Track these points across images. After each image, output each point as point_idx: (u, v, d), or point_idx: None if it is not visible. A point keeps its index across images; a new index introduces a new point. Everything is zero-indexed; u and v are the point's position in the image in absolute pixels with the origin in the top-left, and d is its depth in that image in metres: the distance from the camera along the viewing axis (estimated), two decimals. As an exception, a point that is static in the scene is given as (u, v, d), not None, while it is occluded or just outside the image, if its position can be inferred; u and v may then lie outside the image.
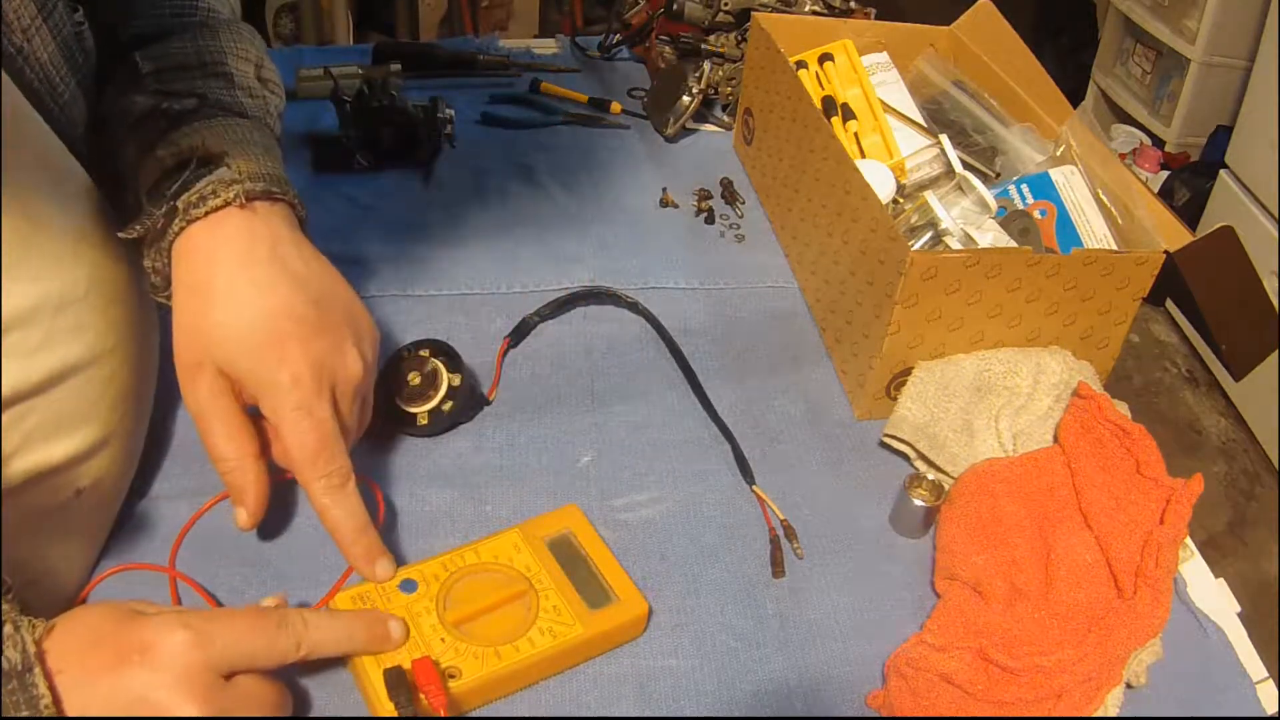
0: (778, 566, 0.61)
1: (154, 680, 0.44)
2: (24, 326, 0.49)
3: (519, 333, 0.75)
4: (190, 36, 0.64)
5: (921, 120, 0.90)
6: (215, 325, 0.55)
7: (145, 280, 0.59)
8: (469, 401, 0.68)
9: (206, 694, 0.45)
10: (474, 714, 0.53)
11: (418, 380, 0.66)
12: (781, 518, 0.64)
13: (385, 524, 0.61)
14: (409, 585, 0.55)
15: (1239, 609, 0.64)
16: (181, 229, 0.56)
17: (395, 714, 0.48)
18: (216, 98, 0.62)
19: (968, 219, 0.79)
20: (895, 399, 0.70)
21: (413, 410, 0.66)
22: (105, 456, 0.55)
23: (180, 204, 0.56)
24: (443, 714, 0.48)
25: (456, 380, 0.66)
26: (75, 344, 0.52)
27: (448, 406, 0.66)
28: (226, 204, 0.56)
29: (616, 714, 0.54)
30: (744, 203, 0.94)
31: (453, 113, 0.95)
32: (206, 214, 0.55)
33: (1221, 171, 2.08)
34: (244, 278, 0.55)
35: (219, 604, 0.56)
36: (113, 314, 0.55)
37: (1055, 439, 0.67)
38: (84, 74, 0.58)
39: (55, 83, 0.55)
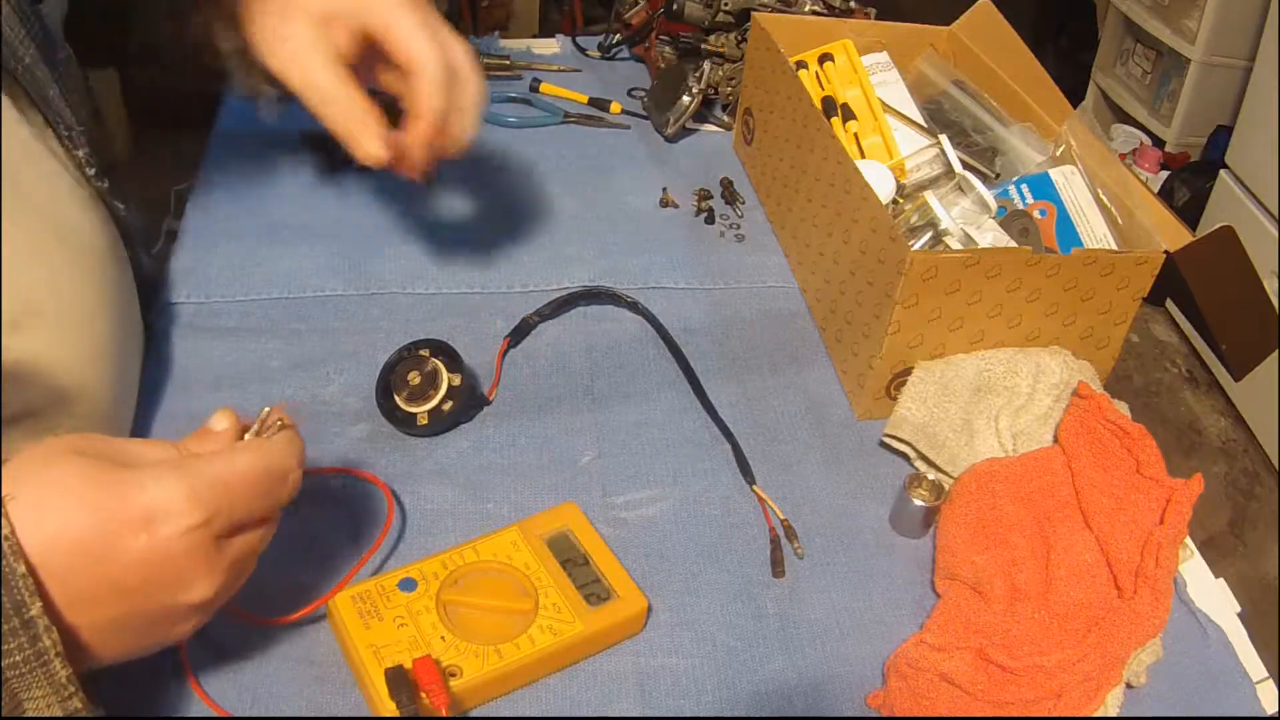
0: (778, 566, 0.62)
1: (160, 563, 0.42)
2: None
3: (519, 333, 0.75)
4: None
5: (921, 120, 0.90)
6: None
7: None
8: (469, 401, 0.68)
9: (213, 565, 0.43)
10: (474, 713, 0.53)
11: (417, 380, 0.66)
12: (782, 517, 0.64)
13: (385, 520, 0.61)
14: (408, 584, 0.55)
15: (1239, 609, 0.64)
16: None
17: (397, 713, 0.48)
18: None
19: (967, 219, 0.79)
20: (895, 399, 0.70)
21: (412, 410, 0.66)
22: (87, 405, 0.56)
23: None
24: (444, 713, 0.48)
25: (456, 380, 0.66)
26: (48, 287, 0.52)
27: (447, 406, 0.66)
28: None
29: (616, 713, 0.54)
30: (744, 203, 0.94)
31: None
32: None
33: (1221, 171, 2.08)
34: None
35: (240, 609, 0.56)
36: (84, 265, 0.56)
37: (1055, 439, 0.67)
38: (40, 39, 0.58)
39: (14, 45, 0.55)
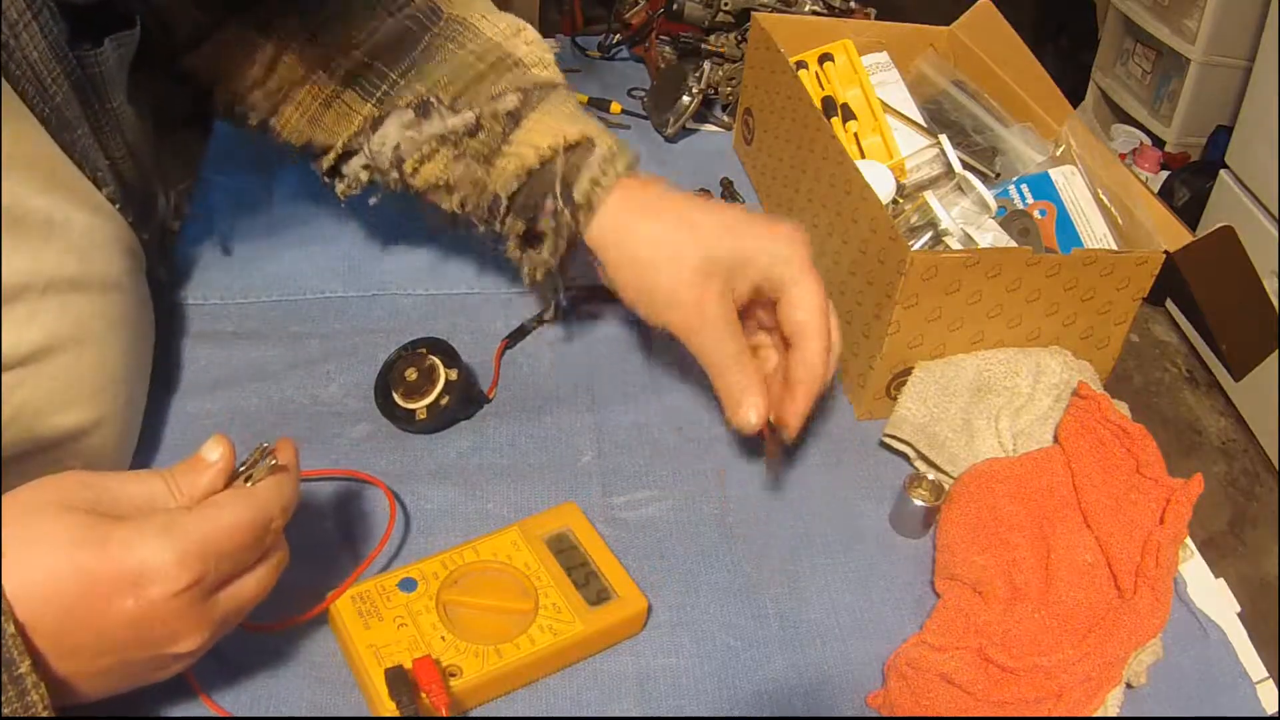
0: (773, 448, 0.64)
1: (150, 621, 0.43)
2: (11, 301, 0.49)
3: (517, 335, 0.75)
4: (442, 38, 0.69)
5: (921, 120, 0.90)
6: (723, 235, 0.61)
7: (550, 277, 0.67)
8: (467, 397, 0.68)
9: (202, 620, 0.44)
10: (474, 713, 0.53)
11: (414, 376, 0.66)
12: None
13: (386, 521, 0.61)
14: (408, 584, 0.55)
15: (1239, 609, 0.64)
16: (590, 217, 0.63)
17: (397, 713, 0.48)
18: (527, 81, 0.67)
19: (967, 219, 0.79)
20: (895, 399, 0.70)
21: (411, 406, 0.66)
22: (98, 438, 0.55)
23: (579, 197, 0.62)
24: (445, 713, 0.48)
25: (454, 375, 0.66)
26: (63, 323, 0.52)
27: (445, 401, 0.66)
28: (618, 177, 0.64)
29: (616, 713, 0.54)
30: (744, 203, 0.94)
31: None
32: (608, 192, 0.62)
33: (1221, 171, 2.08)
34: (692, 205, 0.63)
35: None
36: (101, 302, 0.56)
37: (1055, 439, 0.67)
38: (77, 78, 0.58)
39: (46, 83, 0.55)
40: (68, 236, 0.54)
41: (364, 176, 0.70)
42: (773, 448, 0.65)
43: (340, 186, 0.71)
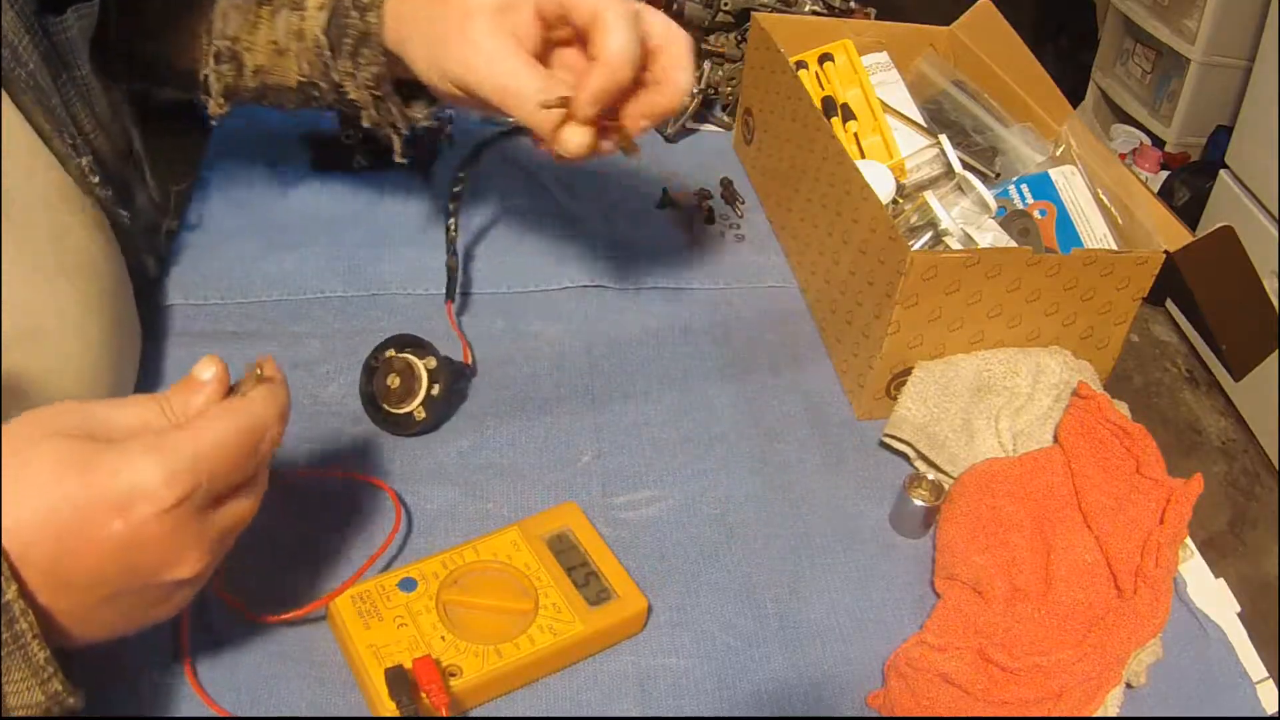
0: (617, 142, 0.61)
1: (143, 547, 0.41)
2: None
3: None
4: None
5: (921, 120, 0.90)
6: None
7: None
8: (453, 377, 0.67)
9: (198, 542, 0.43)
10: (474, 713, 0.53)
11: (397, 382, 0.66)
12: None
13: (389, 522, 0.61)
14: (408, 584, 0.55)
15: (1239, 609, 0.64)
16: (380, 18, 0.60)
17: (397, 713, 0.48)
18: None
19: (967, 219, 0.79)
20: (895, 399, 0.70)
21: (407, 410, 0.66)
22: None
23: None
24: (445, 713, 0.48)
25: (432, 363, 0.66)
26: (49, 357, 0.53)
27: (437, 390, 0.66)
28: None
29: (616, 713, 0.54)
30: (744, 203, 0.94)
31: (452, 113, 0.95)
32: None
33: (1221, 171, 2.08)
34: None
35: (242, 604, 0.56)
36: (87, 325, 0.56)
37: (1055, 439, 0.67)
38: (45, 49, 0.58)
39: (18, 51, 0.55)
40: (50, 207, 0.54)
41: (216, 80, 0.69)
42: (618, 142, 0.61)
43: (212, 106, 0.70)
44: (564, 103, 0.57)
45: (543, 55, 0.59)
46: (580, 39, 0.59)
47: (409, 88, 0.66)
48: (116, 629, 0.44)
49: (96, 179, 0.59)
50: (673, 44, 0.59)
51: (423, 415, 0.65)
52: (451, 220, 0.77)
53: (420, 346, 0.66)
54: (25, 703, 0.41)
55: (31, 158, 0.55)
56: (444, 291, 0.76)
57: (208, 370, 0.46)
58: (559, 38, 0.60)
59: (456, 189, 0.78)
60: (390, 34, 0.62)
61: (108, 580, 0.41)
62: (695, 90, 0.99)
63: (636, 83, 0.59)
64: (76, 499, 0.40)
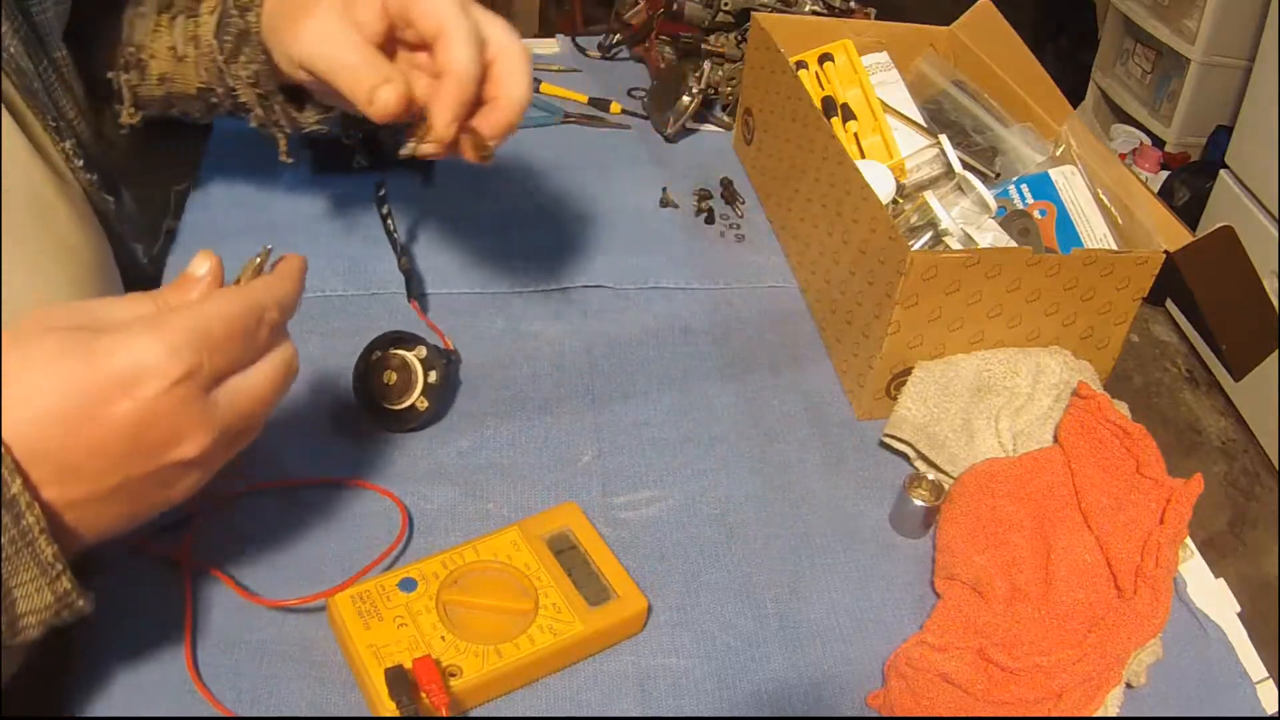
0: (469, 149, 0.60)
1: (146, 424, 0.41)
2: None
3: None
4: None
5: (921, 120, 0.90)
6: None
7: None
8: (446, 362, 0.68)
9: (204, 419, 0.42)
10: (474, 713, 0.53)
11: (394, 378, 0.66)
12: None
13: (390, 524, 0.61)
14: (408, 584, 0.55)
15: (1239, 609, 0.64)
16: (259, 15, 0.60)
17: (397, 713, 0.48)
18: None
19: (968, 219, 0.79)
20: (895, 399, 0.70)
21: (409, 402, 0.66)
22: None
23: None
24: (445, 713, 0.48)
25: (423, 353, 0.66)
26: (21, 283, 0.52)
27: (433, 378, 0.66)
28: None
29: (616, 713, 0.54)
30: (744, 203, 0.94)
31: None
32: None
33: (1221, 171, 2.08)
34: None
35: (244, 589, 0.56)
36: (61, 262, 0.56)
37: (1055, 439, 0.67)
38: (25, 33, 0.58)
39: (28, 74, 0.55)
40: (31, 186, 0.54)
41: (125, 89, 0.68)
42: (469, 149, 0.60)
43: (124, 114, 0.69)
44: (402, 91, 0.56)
45: (388, 52, 0.59)
46: (426, 47, 0.58)
47: (301, 93, 0.66)
48: (123, 520, 0.43)
49: (80, 163, 0.59)
50: (507, 55, 0.58)
51: (425, 404, 0.66)
52: (390, 223, 0.78)
53: (406, 340, 0.67)
54: (35, 606, 0.41)
55: (14, 141, 0.55)
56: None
57: (202, 266, 0.46)
58: (406, 39, 0.60)
59: (381, 192, 0.78)
60: (265, 30, 0.62)
61: (117, 464, 0.41)
62: (695, 90, 0.99)
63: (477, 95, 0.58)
64: (82, 383, 0.40)
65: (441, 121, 0.56)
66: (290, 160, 0.68)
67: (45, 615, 0.41)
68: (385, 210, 0.79)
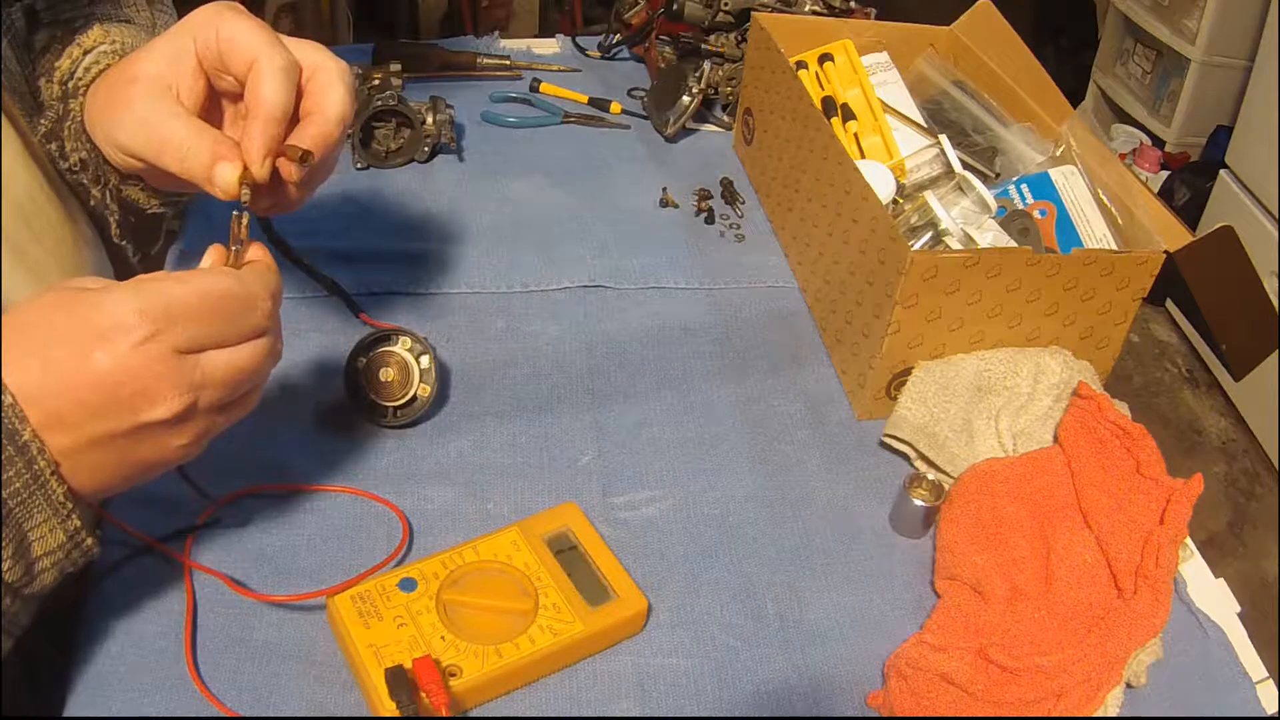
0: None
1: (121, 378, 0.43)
2: None
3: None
4: None
5: (921, 120, 0.90)
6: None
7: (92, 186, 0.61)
8: (431, 347, 0.68)
9: (176, 381, 0.44)
10: (474, 713, 0.53)
11: (391, 374, 0.66)
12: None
13: (391, 527, 0.61)
14: (408, 584, 0.55)
15: (1239, 609, 0.64)
16: (81, 104, 0.58)
17: (397, 713, 0.48)
18: (105, 13, 0.64)
19: (968, 219, 0.79)
20: (895, 399, 0.70)
21: (411, 393, 0.66)
22: None
23: (72, 86, 0.59)
24: (444, 713, 0.48)
25: (408, 343, 0.67)
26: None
27: (426, 362, 0.67)
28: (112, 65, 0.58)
29: (616, 713, 0.54)
30: (744, 203, 0.94)
31: (453, 112, 0.95)
32: (99, 75, 0.58)
33: (1221, 171, 2.08)
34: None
35: (242, 586, 0.56)
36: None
37: (1055, 439, 0.67)
38: (11, 35, 0.59)
39: (15, 76, 0.55)
40: (17, 183, 0.55)
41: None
42: (284, 167, 0.56)
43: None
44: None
45: (211, 109, 0.58)
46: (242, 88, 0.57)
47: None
48: (109, 476, 0.45)
49: (66, 163, 0.59)
50: (323, 71, 0.57)
51: (428, 391, 0.66)
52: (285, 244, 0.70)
53: (387, 337, 0.67)
54: (49, 547, 0.44)
55: (11, 145, 0.55)
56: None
57: (208, 260, 0.50)
58: (226, 90, 0.58)
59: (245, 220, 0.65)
60: (87, 122, 0.59)
61: (94, 414, 0.43)
62: (695, 90, 0.99)
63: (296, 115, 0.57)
64: (65, 330, 0.43)
65: (254, 162, 0.54)
66: (121, 241, 0.65)
67: (59, 556, 0.44)
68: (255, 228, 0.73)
